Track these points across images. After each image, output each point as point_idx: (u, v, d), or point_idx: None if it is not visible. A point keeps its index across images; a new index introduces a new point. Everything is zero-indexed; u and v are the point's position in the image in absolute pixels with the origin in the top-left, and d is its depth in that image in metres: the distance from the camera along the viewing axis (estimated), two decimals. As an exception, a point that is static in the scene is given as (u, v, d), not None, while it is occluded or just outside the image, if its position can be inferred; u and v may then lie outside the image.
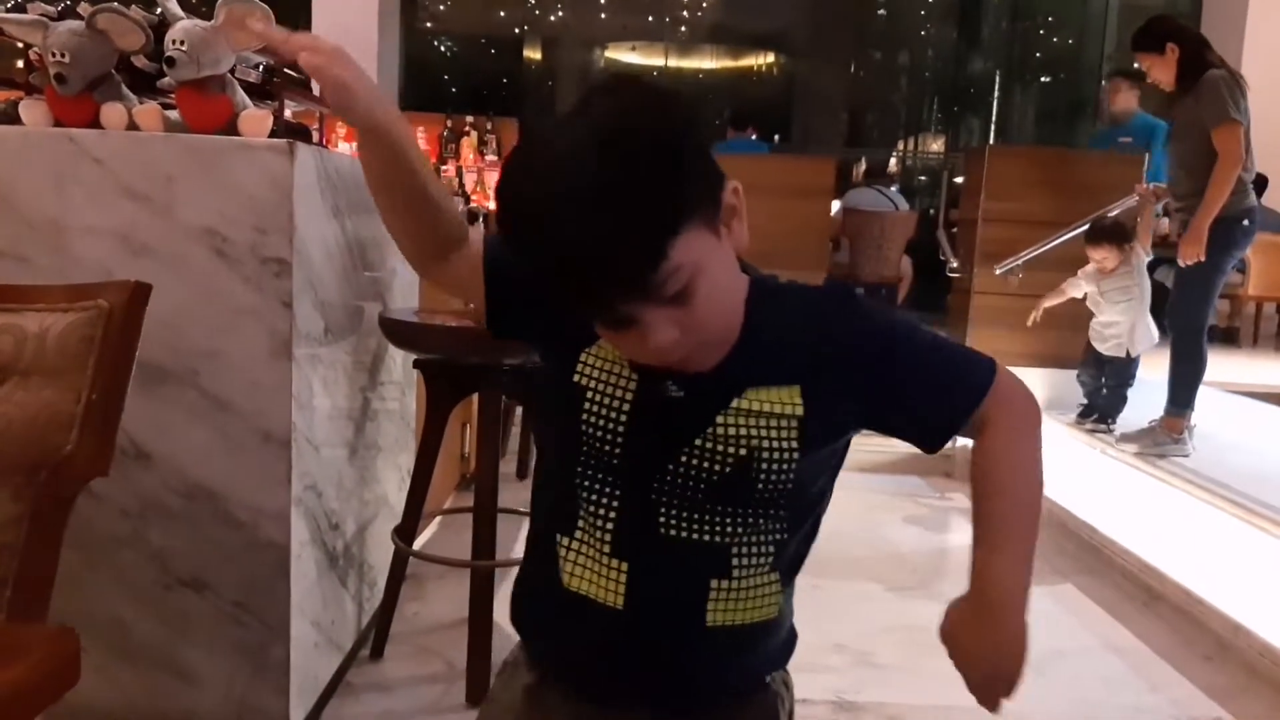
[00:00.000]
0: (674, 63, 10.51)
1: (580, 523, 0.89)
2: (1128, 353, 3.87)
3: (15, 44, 1.88)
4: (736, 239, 0.82)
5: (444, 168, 4.83)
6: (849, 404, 0.87)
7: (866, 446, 4.12)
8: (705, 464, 0.85)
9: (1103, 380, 4.00)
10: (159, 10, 1.70)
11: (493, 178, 5.06)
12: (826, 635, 2.45)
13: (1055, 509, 3.39)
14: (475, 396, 2.06)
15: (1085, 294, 3.91)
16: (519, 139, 0.86)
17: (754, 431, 0.84)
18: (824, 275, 5.65)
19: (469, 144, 5.05)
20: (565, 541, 0.90)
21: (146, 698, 1.71)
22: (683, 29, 10.52)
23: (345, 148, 4.90)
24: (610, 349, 0.87)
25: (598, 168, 0.73)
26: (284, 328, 1.63)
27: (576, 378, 0.88)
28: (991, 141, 9.79)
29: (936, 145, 10.92)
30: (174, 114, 1.71)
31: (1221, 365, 6.09)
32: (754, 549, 0.88)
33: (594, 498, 0.88)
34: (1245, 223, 3.37)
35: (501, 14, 10.54)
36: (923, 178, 10.73)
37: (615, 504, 0.87)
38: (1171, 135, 3.56)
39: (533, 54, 10.49)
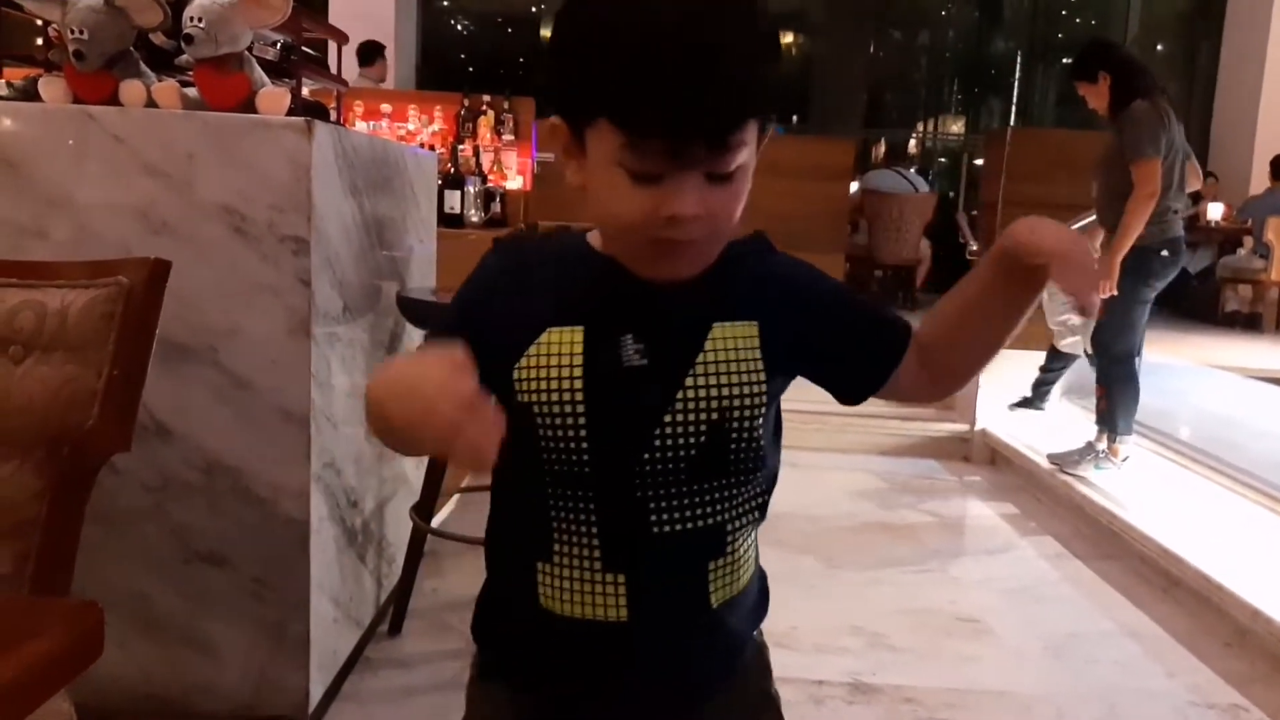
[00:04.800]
0: (692, 42, 10.44)
1: (557, 545, 0.84)
2: (1086, 352, 3.77)
3: (34, 21, 1.88)
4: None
5: (461, 147, 4.82)
6: (795, 342, 0.85)
7: (884, 429, 4.10)
8: (680, 440, 0.81)
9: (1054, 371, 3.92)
10: (177, -13, 1.69)
11: (510, 157, 5.05)
12: (842, 617, 2.45)
13: (1074, 494, 3.37)
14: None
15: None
16: None
17: (723, 390, 0.81)
18: (842, 257, 5.63)
19: (486, 123, 5.04)
20: (544, 567, 0.84)
21: (168, 671, 1.73)
22: (701, 8, 10.43)
23: (362, 126, 4.91)
24: (538, 354, 0.81)
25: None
26: (302, 306, 1.64)
27: (520, 397, 0.81)
28: (1012, 123, 9.70)
29: (957, 126, 10.83)
30: (192, 91, 1.71)
31: (1243, 351, 6.05)
32: (743, 518, 0.86)
33: (570, 515, 0.83)
34: (1164, 253, 3.29)
35: (518, -7, 10.49)
36: (943, 159, 10.65)
37: (594, 516, 0.82)
38: (1098, 166, 3.46)
39: (549, 33, 10.45)
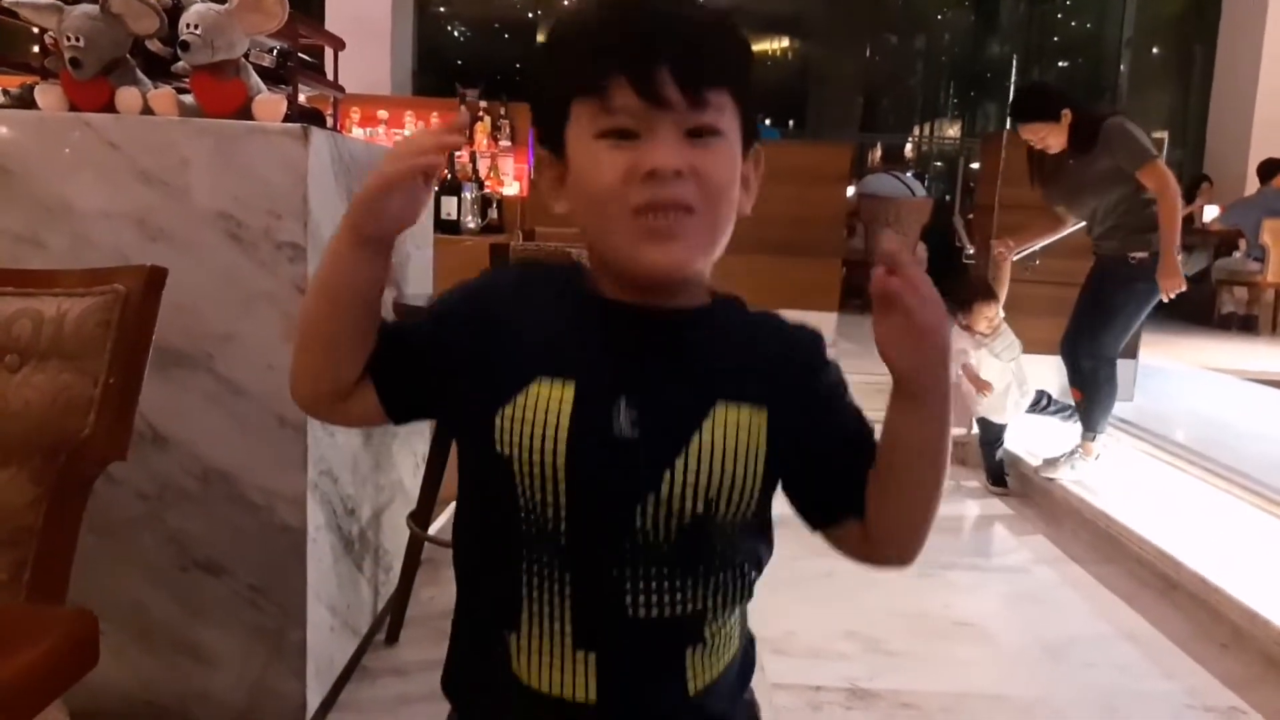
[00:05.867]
0: (688, 47, 10.46)
1: (526, 614, 0.78)
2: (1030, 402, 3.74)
3: (30, 28, 1.88)
4: (741, 202, 0.80)
5: (457, 153, 4.83)
6: (801, 440, 0.80)
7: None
8: (663, 524, 0.76)
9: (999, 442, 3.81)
10: (173, -6, 1.69)
11: (507, 163, 5.06)
12: (838, 622, 2.45)
13: (1070, 497, 3.37)
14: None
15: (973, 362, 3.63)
16: None
17: (713, 478, 0.76)
18: (839, 261, 5.63)
19: (482, 129, 5.05)
20: (512, 637, 0.80)
21: (164, 679, 1.72)
22: (697, 13, 10.46)
23: (359, 132, 4.91)
24: (524, 405, 0.76)
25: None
26: (298, 312, 1.63)
27: (499, 448, 0.76)
28: (1008, 127, 9.71)
29: (953, 130, 10.86)
30: (188, 98, 1.71)
31: (1240, 353, 6.05)
32: (727, 604, 0.81)
33: (542, 584, 0.78)
34: (1179, 256, 3.33)
35: (515, -2, 10.51)
36: (939, 163, 10.67)
37: (568, 589, 0.77)
38: (1080, 192, 3.44)
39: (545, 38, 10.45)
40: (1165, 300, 3.29)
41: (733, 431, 0.77)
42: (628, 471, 0.76)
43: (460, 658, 0.88)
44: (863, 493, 0.81)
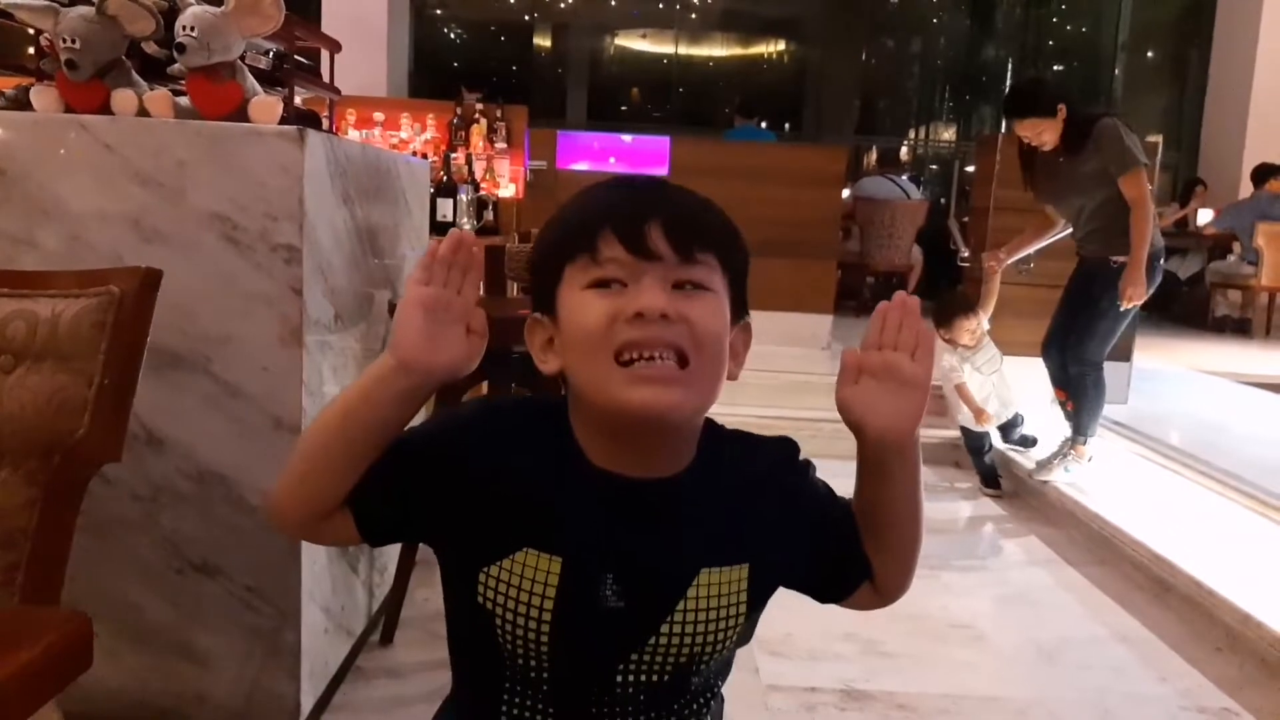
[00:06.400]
0: (684, 50, 10.47)
1: None
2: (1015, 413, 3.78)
3: (26, 30, 1.88)
4: (730, 367, 0.81)
5: (453, 155, 4.83)
6: (784, 573, 0.87)
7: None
8: (644, 676, 0.81)
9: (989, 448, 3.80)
10: (169, -4, 1.69)
11: (502, 165, 5.05)
12: (835, 624, 2.45)
13: (1065, 499, 3.38)
14: (484, 384, 2.06)
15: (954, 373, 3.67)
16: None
17: (698, 635, 0.80)
18: (834, 264, 5.62)
19: (478, 131, 5.04)
20: None
21: (158, 681, 1.72)
22: (693, 15, 10.47)
23: (355, 134, 4.91)
24: (510, 569, 0.79)
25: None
26: (294, 314, 1.64)
27: (481, 601, 0.80)
28: (1003, 130, 9.73)
29: (948, 133, 10.87)
30: (184, 100, 1.71)
31: (1234, 357, 6.07)
32: (700, 715, 0.87)
33: (523, 711, 0.82)
34: (1160, 262, 3.35)
35: (511, 0, 10.51)
36: (934, 166, 10.68)
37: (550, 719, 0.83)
38: (1068, 191, 3.44)
39: (542, 41, 10.46)
40: (1122, 307, 3.30)
41: (715, 592, 0.81)
42: (613, 638, 0.80)
43: None
44: (865, 559, 0.87)
